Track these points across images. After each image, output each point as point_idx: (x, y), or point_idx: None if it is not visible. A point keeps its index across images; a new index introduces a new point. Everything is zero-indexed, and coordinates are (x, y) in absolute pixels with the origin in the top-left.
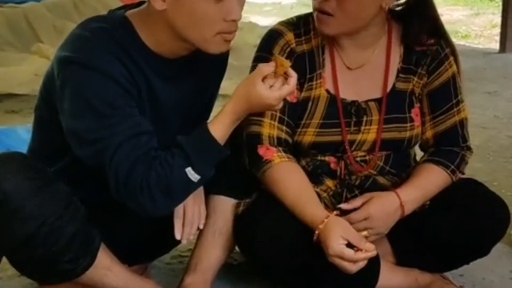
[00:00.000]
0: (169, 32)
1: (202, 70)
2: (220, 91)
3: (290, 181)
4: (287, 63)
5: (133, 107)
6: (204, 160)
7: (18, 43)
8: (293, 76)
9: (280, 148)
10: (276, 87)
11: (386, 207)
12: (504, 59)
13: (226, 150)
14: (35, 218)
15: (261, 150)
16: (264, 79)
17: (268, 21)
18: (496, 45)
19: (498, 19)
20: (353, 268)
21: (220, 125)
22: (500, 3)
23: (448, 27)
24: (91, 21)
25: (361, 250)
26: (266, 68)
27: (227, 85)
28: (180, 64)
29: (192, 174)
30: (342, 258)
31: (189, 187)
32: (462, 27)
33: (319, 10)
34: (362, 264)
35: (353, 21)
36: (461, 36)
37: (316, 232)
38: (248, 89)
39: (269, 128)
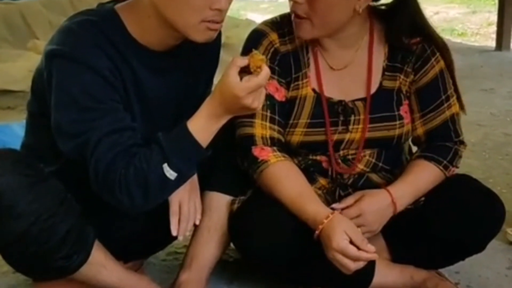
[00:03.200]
0: (156, 19)
1: (192, 64)
2: (214, 88)
3: (289, 179)
4: (262, 60)
5: (116, 102)
6: (179, 155)
7: (14, 39)
8: (264, 70)
9: (275, 148)
10: (245, 79)
11: (378, 204)
12: (500, 57)
13: (199, 143)
14: (28, 215)
15: (256, 151)
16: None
17: (264, 18)
18: (492, 43)
19: (494, 17)
20: (352, 266)
21: (196, 118)
22: (496, 1)
23: (444, 25)
24: (79, 14)
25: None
26: (240, 60)
27: None
28: (168, 56)
29: (167, 171)
30: (344, 254)
31: (166, 184)
32: (459, 25)
33: (294, 14)
34: (361, 264)
35: (327, 24)
36: (457, 34)
37: (320, 226)
38: (221, 80)
39: (261, 129)
